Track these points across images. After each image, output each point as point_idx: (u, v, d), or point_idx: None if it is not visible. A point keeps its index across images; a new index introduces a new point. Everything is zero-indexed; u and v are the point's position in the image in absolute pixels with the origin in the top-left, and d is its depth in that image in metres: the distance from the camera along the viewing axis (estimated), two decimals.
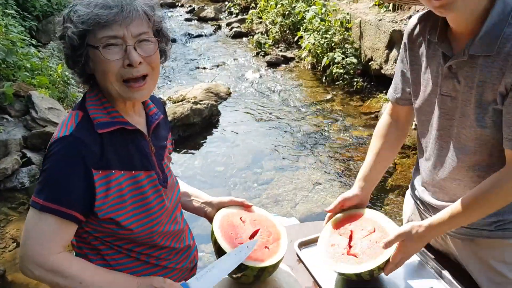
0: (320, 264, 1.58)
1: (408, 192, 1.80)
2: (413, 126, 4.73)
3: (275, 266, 1.55)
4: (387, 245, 1.47)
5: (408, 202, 1.81)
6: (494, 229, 1.46)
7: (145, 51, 1.28)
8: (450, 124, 1.43)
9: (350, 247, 1.57)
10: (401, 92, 1.65)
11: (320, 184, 4.02)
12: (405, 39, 1.57)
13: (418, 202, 1.69)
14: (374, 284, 1.57)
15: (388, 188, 3.93)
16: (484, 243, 1.50)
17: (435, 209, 1.56)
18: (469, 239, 1.53)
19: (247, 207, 1.67)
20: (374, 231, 1.60)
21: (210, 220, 1.62)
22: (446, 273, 1.55)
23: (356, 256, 1.54)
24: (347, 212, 1.70)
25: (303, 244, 1.76)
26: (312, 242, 1.76)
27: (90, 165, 1.25)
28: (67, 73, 5.61)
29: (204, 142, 5.00)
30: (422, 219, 1.67)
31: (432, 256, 1.64)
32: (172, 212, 1.47)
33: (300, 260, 1.69)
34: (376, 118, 5.10)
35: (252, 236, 1.56)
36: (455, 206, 1.39)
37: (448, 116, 1.43)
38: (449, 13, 1.32)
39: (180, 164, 4.44)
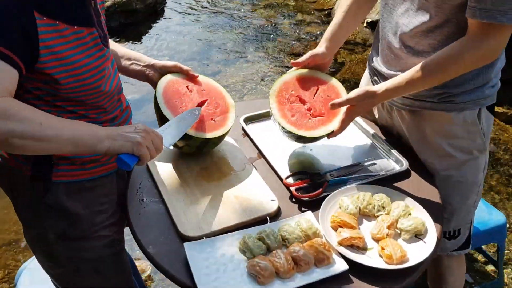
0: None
1: (366, 69, 1.79)
2: (365, 24, 4.72)
3: (220, 138, 1.50)
4: (335, 106, 1.46)
5: (364, 77, 1.80)
6: (437, 100, 1.47)
7: None
8: None
9: (310, 110, 1.53)
10: None
11: (268, 76, 3.98)
12: None
13: (371, 73, 1.68)
14: (317, 161, 1.58)
15: None
16: (427, 115, 1.52)
17: (386, 79, 1.54)
18: (413, 111, 1.55)
19: (193, 78, 1.56)
20: (318, 88, 1.57)
21: (153, 84, 1.51)
22: (394, 151, 1.57)
23: (322, 115, 1.51)
24: (280, 81, 1.60)
25: (249, 119, 1.74)
26: (258, 117, 1.75)
27: (34, 6, 1.08)
28: None
29: (148, 31, 4.73)
30: None
31: (384, 138, 1.65)
32: (112, 72, 1.36)
33: (246, 134, 1.67)
34: (329, 16, 4.97)
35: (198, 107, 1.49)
36: (413, 70, 1.38)
37: None
38: None
39: None
